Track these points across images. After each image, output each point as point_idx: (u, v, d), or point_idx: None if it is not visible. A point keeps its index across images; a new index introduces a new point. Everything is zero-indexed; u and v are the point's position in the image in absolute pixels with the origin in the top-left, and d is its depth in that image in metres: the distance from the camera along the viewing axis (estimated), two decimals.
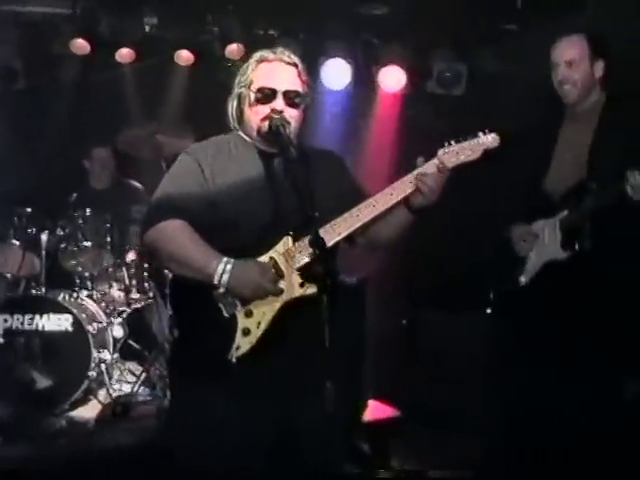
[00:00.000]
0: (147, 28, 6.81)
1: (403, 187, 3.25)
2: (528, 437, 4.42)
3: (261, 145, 3.34)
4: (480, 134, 3.26)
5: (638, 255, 4.14)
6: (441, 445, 5.34)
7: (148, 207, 3.49)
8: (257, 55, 3.37)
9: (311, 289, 3.14)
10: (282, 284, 3.17)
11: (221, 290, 3.13)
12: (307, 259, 3.15)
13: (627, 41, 5.16)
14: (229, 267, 3.11)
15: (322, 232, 3.08)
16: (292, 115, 3.29)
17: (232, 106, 3.39)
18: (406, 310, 6.64)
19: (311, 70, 3.61)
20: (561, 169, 4.29)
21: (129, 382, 6.04)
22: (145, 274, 6.24)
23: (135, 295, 6.20)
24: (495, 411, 4.85)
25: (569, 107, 4.29)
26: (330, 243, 3.12)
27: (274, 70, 3.32)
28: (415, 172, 3.24)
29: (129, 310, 6.22)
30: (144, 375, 5.94)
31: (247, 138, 3.37)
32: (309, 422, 3.21)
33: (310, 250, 3.10)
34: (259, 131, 3.29)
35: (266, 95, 3.27)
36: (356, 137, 7.42)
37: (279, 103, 3.27)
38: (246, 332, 3.13)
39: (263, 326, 3.14)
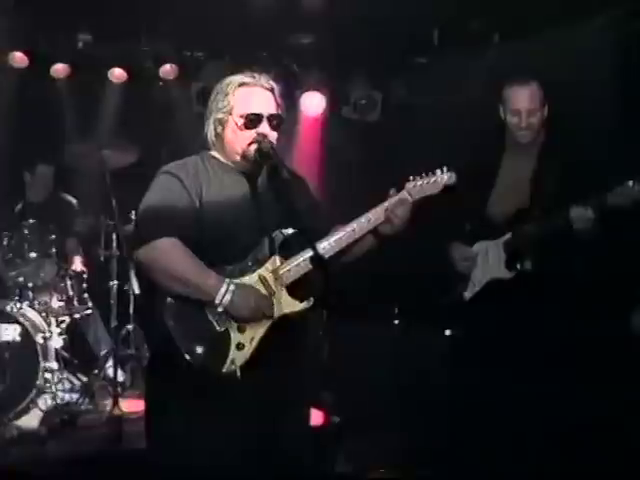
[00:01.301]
0: (81, 44, 6.74)
1: (378, 215, 3.31)
2: (463, 438, 4.59)
3: (239, 167, 3.32)
4: (438, 172, 3.36)
5: (575, 277, 4.41)
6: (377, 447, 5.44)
7: (136, 224, 3.46)
8: (234, 80, 3.34)
9: (300, 306, 3.20)
10: (273, 301, 3.20)
11: (219, 309, 3.13)
12: (296, 277, 3.21)
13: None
14: (232, 288, 3.12)
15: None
16: (274, 138, 3.30)
17: (210, 130, 3.34)
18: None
19: None
20: (503, 196, 4.44)
21: (70, 391, 5.89)
22: (85, 285, 6.18)
23: (75, 305, 6.09)
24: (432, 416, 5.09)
25: (514, 141, 4.44)
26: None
27: (255, 95, 3.31)
28: (387, 202, 3.32)
29: (68, 320, 6.08)
30: (84, 385, 5.87)
31: (222, 159, 3.35)
32: (294, 435, 3.27)
33: (298, 268, 3.18)
34: (244, 155, 3.27)
35: (252, 120, 3.25)
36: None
37: (264, 127, 3.27)
38: (240, 347, 3.14)
39: (256, 341, 3.16)
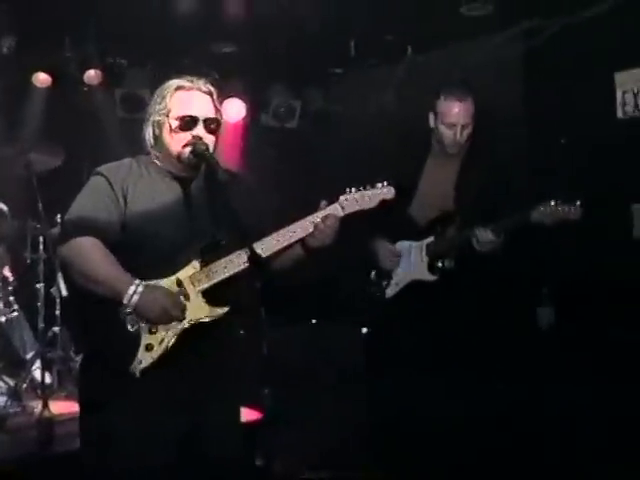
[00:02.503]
0: (5, 49, 6.53)
1: (305, 226, 3.22)
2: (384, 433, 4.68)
3: (174, 170, 3.28)
4: (378, 185, 3.27)
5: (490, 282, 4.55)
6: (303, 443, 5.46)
7: (62, 224, 3.40)
8: (173, 83, 3.30)
9: (215, 312, 3.15)
10: (188, 306, 3.15)
11: (128, 310, 3.09)
12: (213, 282, 3.16)
13: None
14: (140, 289, 3.06)
15: (232, 258, 3.12)
16: (211, 141, 3.26)
17: (149, 133, 3.31)
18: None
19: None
20: (426, 199, 4.46)
21: None
22: (10, 288, 6.06)
23: (0, 309, 5.96)
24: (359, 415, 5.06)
25: (443, 151, 4.45)
26: (236, 269, 3.13)
27: (193, 98, 3.27)
28: (317, 214, 3.25)
29: None
30: (11, 387, 5.70)
31: (158, 162, 3.31)
32: (217, 438, 3.25)
33: (215, 274, 3.13)
34: (179, 157, 3.23)
35: (187, 123, 3.21)
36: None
37: (200, 130, 3.23)
38: (149, 348, 3.09)
39: (165, 344, 3.11)
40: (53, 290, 6.06)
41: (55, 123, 6.88)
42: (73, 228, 3.17)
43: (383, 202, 3.28)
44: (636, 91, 5.57)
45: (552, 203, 4.12)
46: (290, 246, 3.24)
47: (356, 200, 3.25)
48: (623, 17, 5.45)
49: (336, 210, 3.24)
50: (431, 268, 4.43)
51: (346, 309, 5.14)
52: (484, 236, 4.19)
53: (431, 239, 4.44)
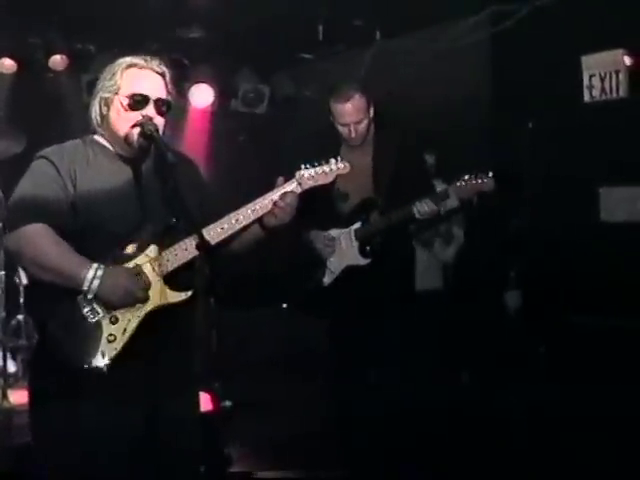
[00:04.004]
0: None
1: (265, 204, 3.11)
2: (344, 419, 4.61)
3: (122, 151, 3.04)
4: (332, 161, 3.21)
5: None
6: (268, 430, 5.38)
7: (7, 211, 3.13)
8: (125, 61, 3.05)
9: (180, 296, 2.97)
10: (149, 291, 2.94)
11: (89, 296, 2.85)
12: (176, 265, 2.97)
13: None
14: (100, 273, 2.83)
15: (190, 241, 2.92)
16: (160, 123, 3.03)
17: (95, 110, 3.04)
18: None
19: None
20: (346, 187, 4.40)
21: None
22: None
23: None
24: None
25: (347, 143, 4.45)
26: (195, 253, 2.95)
27: (145, 77, 3.03)
28: (275, 191, 3.12)
29: None
30: None
31: (106, 143, 3.06)
32: (179, 428, 3.05)
33: (177, 257, 2.95)
34: (127, 137, 3.00)
35: (137, 102, 2.98)
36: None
37: (150, 110, 3.00)
38: (111, 339, 2.88)
39: (128, 333, 2.90)
40: (15, 279, 5.79)
41: (19, 109, 6.62)
42: (20, 215, 2.89)
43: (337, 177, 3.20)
44: (603, 75, 5.45)
45: (466, 177, 4.20)
46: (249, 226, 3.08)
47: (312, 176, 3.14)
48: (590, 0, 5.32)
49: (293, 186, 3.11)
50: (362, 252, 4.43)
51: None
52: (421, 209, 4.22)
53: (358, 225, 4.43)
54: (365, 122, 4.35)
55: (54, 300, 2.87)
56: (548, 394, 4.85)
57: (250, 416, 5.47)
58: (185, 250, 2.96)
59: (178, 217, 2.95)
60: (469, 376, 5.38)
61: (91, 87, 7.19)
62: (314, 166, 3.16)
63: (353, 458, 4.58)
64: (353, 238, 4.44)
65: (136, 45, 6.84)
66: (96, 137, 3.07)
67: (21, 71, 6.79)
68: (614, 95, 5.39)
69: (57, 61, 6.75)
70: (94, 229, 2.92)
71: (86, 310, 2.86)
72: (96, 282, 2.82)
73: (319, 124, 5.28)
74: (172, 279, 2.97)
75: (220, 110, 7.68)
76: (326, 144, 4.42)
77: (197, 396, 3.22)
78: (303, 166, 3.15)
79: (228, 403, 5.37)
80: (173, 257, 2.96)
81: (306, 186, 3.14)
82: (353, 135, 4.34)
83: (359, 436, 4.49)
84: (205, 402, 5.24)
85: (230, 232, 3.06)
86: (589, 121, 5.39)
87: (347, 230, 4.46)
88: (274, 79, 7.77)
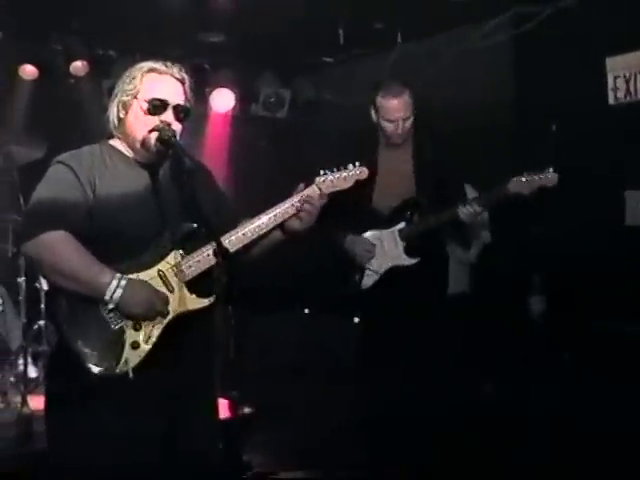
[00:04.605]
0: None
1: (286, 210, 3.08)
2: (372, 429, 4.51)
3: (139, 156, 3.00)
4: (350, 166, 3.20)
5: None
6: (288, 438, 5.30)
7: (23, 218, 3.14)
8: (146, 65, 3.01)
9: (203, 302, 2.92)
10: (171, 298, 2.90)
11: (110, 306, 2.80)
12: (198, 272, 2.92)
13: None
14: (123, 283, 2.79)
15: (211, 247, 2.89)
16: (178, 129, 2.99)
17: (113, 113, 3.00)
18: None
19: None
20: (386, 188, 4.42)
21: None
22: None
23: None
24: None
25: (390, 142, 4.44)
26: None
27: (165, 83, 2.99)
28: (297, 197, 3.09)
29: None
30: None
31: (122, 149, 3.02)
32: (199, 434, 3.01)
33: (200, 263, 2.91)
34: (144, 142, 2.95)
35: (156, 107, 2.94)
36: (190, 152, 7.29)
37: (169, 116, 2.96)
38: (135, 346, 2.83)
39: (153, 340, 2.85)
40: (37, 284, 5.76)
41: (40, 115, 6.62)
42: (38, 221, 2.83)
43: (357, 182, 3.20)
44: (628, 76, 5.35)
45: (526, 173, 4.15)
46: (270, 232, 3.06)
47: (332, 181, 3.13)
48: (614, 1, 5.23)
49: (314, 192, 3.08)
50: (408, 252, 4.37)
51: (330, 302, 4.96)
52: (466, 211, 4.20)
53: (402, 225, 4.38)
54: (410, 120, 4.34)
55: (75, 306, 2.82)
56: (572, 400, 4.76)
57: (271, 421, 5.40)
58: (207, 256, 2.91)
59: (196, 223, 2.91)
60: (492, 382, 5.29)
61: (112, 93, 7.20)
62: (332, 172, 3.14)
63: (374, 462, 4.49)
64: (398, 238, 4.39)
65: (157, 50, 6.89)
66: (112, 142, 3.03)
67: (42, 77, 6.80)
68: (639, 97, 5.30)
69: (78, 67, 6.76)
70: (113, 235, 2.87)
71: (108, 317, 2.81)
72: (118, 292, 2.77)
73: (347, 127, 5.28)
74: (194, 285, 2.92)
75: (241, 115, 7.65)
76: (363, 145, 4.48)
77: (217, 402, 3.15)
78: (322, 172, 3.13)
79: (247, 410, 5.33)
80: (195, 263, 2.92)
81: (327, 191, 3.11)
82: (400, 131, 4.34)
83: (386, 439, 4.41)
84: (223, 409, 5.24)
85: (251, 238, 3.02)
86: (613, 123, 5.30)
87: (390, 230, 4.40)
88: (295, 83, 7.73)
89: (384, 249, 4.42)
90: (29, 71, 6.73)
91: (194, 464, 3.00)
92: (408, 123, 4.35)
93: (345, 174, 3.18)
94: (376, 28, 6.62)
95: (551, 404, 4.82)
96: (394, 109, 4.36)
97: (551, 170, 4.12)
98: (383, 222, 4.45)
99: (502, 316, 5.45)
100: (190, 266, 2.92)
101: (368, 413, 4.52)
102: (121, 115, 2.98)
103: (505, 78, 6.02)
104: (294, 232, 3.10)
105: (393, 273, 4.40)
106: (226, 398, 5.34)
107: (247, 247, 3.07)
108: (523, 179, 4.13)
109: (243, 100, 7.62)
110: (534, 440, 4.64)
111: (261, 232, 3.04)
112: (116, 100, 2.99)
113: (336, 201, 3.19)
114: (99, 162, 2.96)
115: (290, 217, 3.07)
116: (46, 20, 6.39)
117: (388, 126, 4.38)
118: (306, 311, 7.16)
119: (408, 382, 4.22)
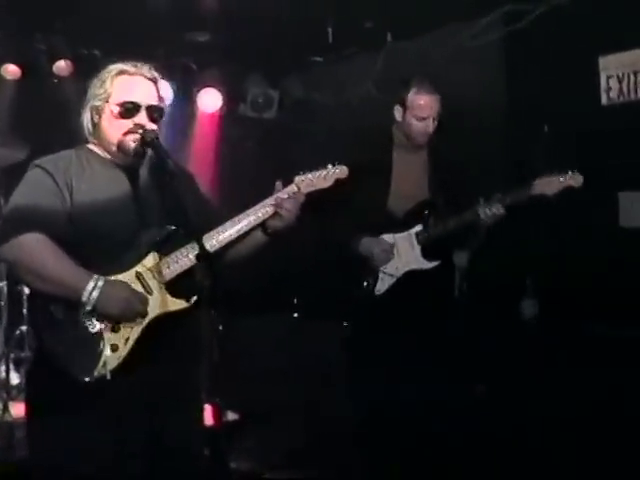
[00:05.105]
0: None
1: (264, 209, 3.09)
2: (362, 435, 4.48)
3: (117, 159, 2.98)
4: (329, 166, 3.24)
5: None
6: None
7: (2, 221, 3.10)
8: (115, 68, 2.99)
9: (182, 303, 2.90)
10: (151, 299, 2.87)
11: (88, 308, 2.76)
12: (177, 273, 2.91)
13: None
14: (100, 284, 2.76)
15: (191, 247, 2.89)
16: (154, 130, 2.98)
17: (86, 119, 2.99)
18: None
19: None
20: (402, 191, 4.37)
21: None
22: None
23: None
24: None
25: (413, 142, 4.39)
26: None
27: (136, 84, 2.98)
28: (275, 196, 3.11)
29: None
30: None
31: (100, 152, 2.99)
32: (181, 436, 2.98)
33: (178, 264, 2.91)
34: (120, 145, 2.93)
35: (129, 109, 2.92)
36: (176, 153, 7.22)
37: (142, 118, 2.94)
38: (114, 348, 2.79)
39: (131, 342, 2.82)
40: (19, 288, 5.67)
41: (24, 115, 6.52)
42: (15, 224, 2.82)
43: (337, 181, 3.25)
44: (621, 76, 5.28)
45: (550, 174, 4.12)
46: (250, 232, 3.08)
47: (311, 180, 3.17)
48: None
49: (292, 189, 3.13)
50: (426, 255, 4.32)
51: (328, 305, 4.86)
52: (489, 212, 4.16)
53: (419, 228, 4.32)
54: (436, 121, 4.32)
55: (54, 309, 2.79)
56: (565, 404, 4.68)
57: (259, 426, 5.35)
58: (187, 257, 2.91)
59: (177, 224, 2.90)
60: (484, 386, 5.22)
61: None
62: (311, 171, 3.19)
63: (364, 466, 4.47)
64: (414, 241, 4.32)
65: (143, 49, 6.78)
66: (89, 146, 3.00)
67: (25, 77, 6.70)
68: (632, 97, 5.22)
69: (61, 66, 6.66)
70: (91, 238, 2.84)
71: (88, 319, 2.77)
72: (95, 294, 2.74)
73: (336, 127, 5.23)
74: (174, 287, 2.91)
75: (228, 115, 7.58)
76: (376, 145, 4.47)
77: (201, 406, 3.15)
78: (301, 172, 3.18)
79: (232, 416, 5.25)
80: (174, 264, 2.91)
81: (305, 190, 3.14)
82: (430, 129, 4.31)
83: (382, 443, 4.37)
84: (208, 415, 5.15)
85: (231, 238, 3.02)
86: (606, 124, 5.21)
87: (406, 233, 4.34)
88: (283, 83, 7.65)
89: (399, 252, 4.34)
90: (12, 71, 6.63)
91: (177, 468, 2.96)
92: (435, 123, 4.32)
93: (325, 173, 3.21)
94: (366, 27, 6.51)
95: (543, 407, 4.74)
96: (427, 106, 4.32)
97: (576, 170, 4.11)
98: (398, 225, 4.38)
99: (494, 320, 5.38)
100: (169, 267, 2.91)
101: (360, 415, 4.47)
102: (95, 120, 2.96)
103: (496, 78, 5.92)
104: (275, 231, 3.11)
105: (410, 277, 4.33)
106: (210, 404, 5.28)
107: (228, 248, 3.07)
108: (550, 179, 4.10)
109: (231, 100, 7.56)
110: (526, 443, 4.58)
111: (241, 232, 3.04)
112: (88, 105, 2.97)
113: (350, 203, 3.35)
114: (77, 166, 2.93)
115: (270, 217, 3.07)
116: (29, 19, 6.23)
117: (417, 125, 4.33)
118: (295, 315, 7.09)
119: (406, 383, 4.17)
